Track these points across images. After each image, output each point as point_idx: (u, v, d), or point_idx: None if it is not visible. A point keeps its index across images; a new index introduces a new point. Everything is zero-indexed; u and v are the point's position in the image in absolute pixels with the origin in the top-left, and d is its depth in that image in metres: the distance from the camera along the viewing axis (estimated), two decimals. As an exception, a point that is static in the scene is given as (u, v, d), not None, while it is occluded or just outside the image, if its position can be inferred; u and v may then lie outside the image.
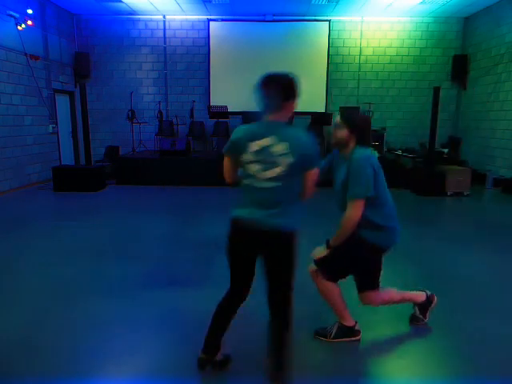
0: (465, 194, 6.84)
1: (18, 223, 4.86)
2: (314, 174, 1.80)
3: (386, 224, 2.16)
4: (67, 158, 8.93)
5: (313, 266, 2.26)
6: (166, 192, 7.09)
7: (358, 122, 2.15)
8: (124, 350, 2.22)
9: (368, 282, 2.27)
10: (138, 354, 2.18)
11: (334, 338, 2.30)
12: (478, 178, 7.66)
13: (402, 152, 8.13)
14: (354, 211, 2.04)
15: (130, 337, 2.34)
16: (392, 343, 2.32)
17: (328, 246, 2.18)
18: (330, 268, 2.22)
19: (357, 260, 2.21)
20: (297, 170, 1.74)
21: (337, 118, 2.19)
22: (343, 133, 2.12)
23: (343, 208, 2.12)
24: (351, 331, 2.31)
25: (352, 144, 2.13)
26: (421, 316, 2.50)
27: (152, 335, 2.37)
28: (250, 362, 2.10)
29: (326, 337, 2.32)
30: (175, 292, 2.95)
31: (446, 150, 8.47)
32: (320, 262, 2.22)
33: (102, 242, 4.20)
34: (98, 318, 2.56)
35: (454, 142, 8.89)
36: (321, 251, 2.21)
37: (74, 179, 6.98)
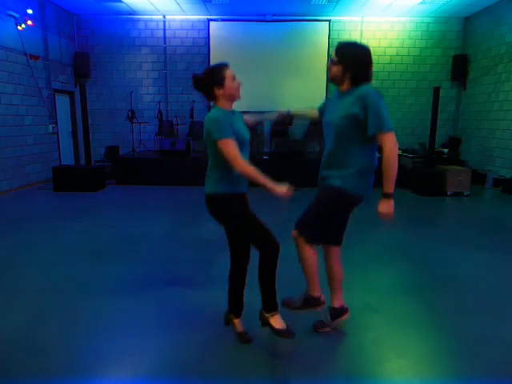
0: (465, 194, 6.84)
1: (18, 223, 4.85)
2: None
3: (372, 170, 2.13)
4: (67, 158, 8.93)
5: (295, 232, 2.17)
6: (166, 192, 7.09)
7: (355, 58, 2.05)
8: (124, 350, 2.22)
9: (340, 238, 2.30)
10: (138, 355, 2.18)
11: (300, 307, 2.32)
12: (478, 178, 7.67)
13: (402, 152, 8.13)
14: (393, 143, 1.97)
15: (130, 337, 2.34)
16: (392, 343, 2.32)
17: (388, 196, 2.04)
18: (315, 231, 2.16)
19: (335, 215, 2.18)
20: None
21: (333, 53, 2.12)
22: (337, 69, 2.07)
23: (333, 142, 2.10)
24: (317, 302, 2.33)
25: (347, 80, 2.08)
26: (330, 322, 2.40)
27: (152, 336, 2.37)
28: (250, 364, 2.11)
29: (293, 307, 2.33)
30: (175, 292, 2.96)
31: (446, 150, 8.48)
32: (303, 226, 2.15)
33: (102, 241, 4.20)
34: (98, 318, 2.56)
35: (454, 142, 8.90)
36: (386, 206, 2.04)
37: (73, 179, 6.98)
